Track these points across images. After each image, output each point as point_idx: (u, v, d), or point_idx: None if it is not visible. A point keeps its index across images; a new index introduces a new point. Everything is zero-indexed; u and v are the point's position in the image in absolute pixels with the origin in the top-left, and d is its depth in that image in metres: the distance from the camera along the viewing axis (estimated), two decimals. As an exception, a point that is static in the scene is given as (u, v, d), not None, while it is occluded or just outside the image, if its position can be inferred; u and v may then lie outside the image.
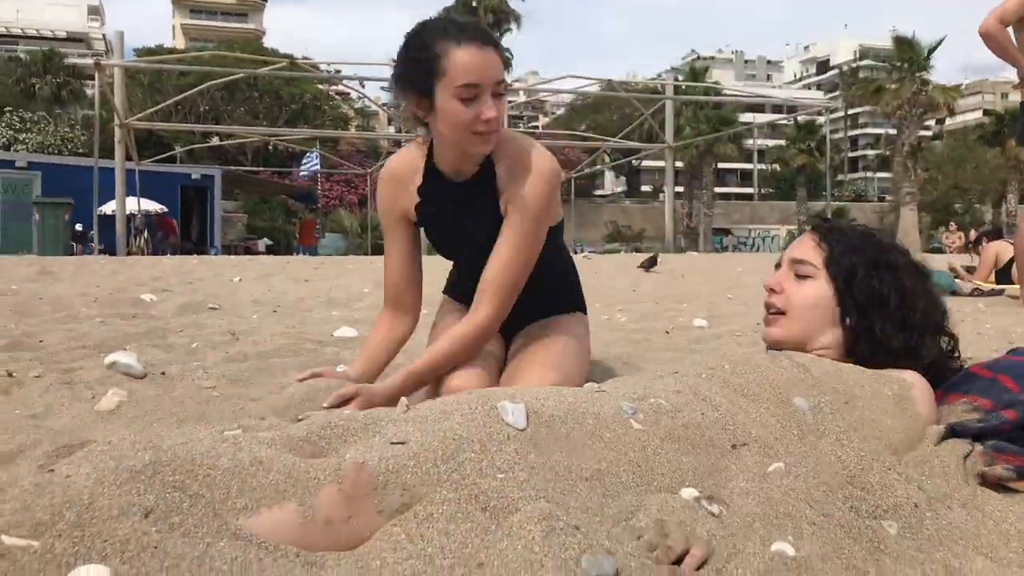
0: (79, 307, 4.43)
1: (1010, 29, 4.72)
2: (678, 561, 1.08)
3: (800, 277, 1.82)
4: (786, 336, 1.81)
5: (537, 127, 54.58)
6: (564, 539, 1.04)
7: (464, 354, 2.03)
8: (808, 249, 1.83)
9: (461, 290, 2.32)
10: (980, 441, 1.51)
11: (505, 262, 2.03)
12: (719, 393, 1.48)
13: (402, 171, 2.15)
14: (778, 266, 1.90)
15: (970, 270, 7.50)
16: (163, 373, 2.43)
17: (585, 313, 2.38)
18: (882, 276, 1.76)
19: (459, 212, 2.11)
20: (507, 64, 2.18)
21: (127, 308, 4.47)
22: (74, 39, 57.11)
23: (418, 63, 1.88)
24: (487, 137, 1.92)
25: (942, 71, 47.90)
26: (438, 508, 1.10)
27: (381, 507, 1.11)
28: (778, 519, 1.16)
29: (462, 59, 1.83)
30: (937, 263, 9.15)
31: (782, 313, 1.82)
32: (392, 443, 1.22)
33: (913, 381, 1.60)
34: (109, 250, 17.48)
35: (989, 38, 4.70)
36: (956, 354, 1.79)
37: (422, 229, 2.24)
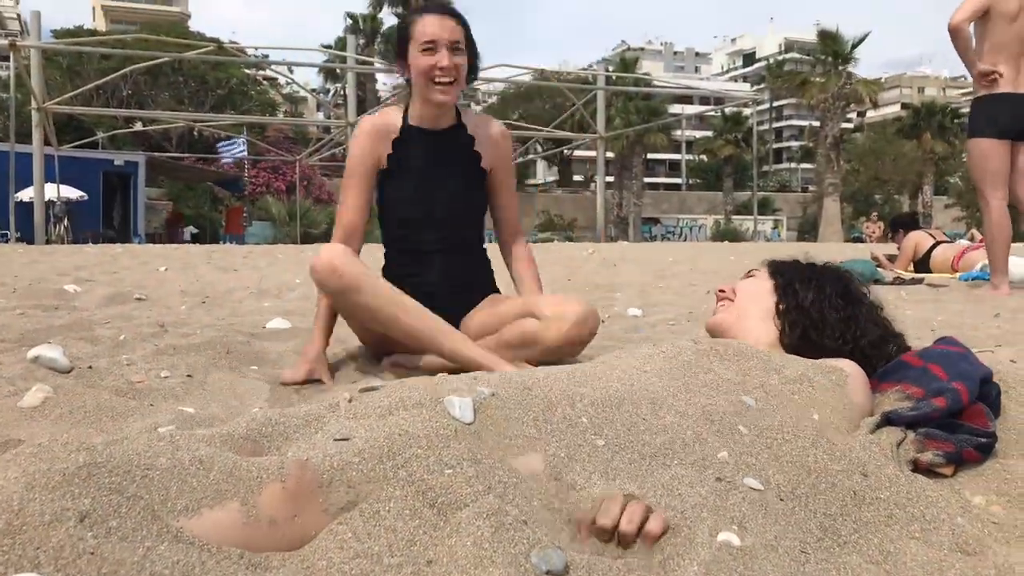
0: (-3, 298, 4.26)
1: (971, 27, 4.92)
2: (631, 541, 1.09)
3: (748, 277, 2.03)
4: (724, 316, 1.97)
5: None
6: (513, 534, 1.03)
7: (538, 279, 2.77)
8: (755, 269, 2.05)
9: (402, 262, 2.65)
10: (913, 428, 1.56)
11: (514, 205, 2.79)
12: (660, 384, 1.49)
13: (382, 124, 2.58)
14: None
15: (891, 259, 7.73)
16: (90, 367, 2.35)
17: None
18: (821, 279, 1.90)
19: (434, 159, 2.58)
20: (468, 33, 2.59)
21: (49, 299, 4.31)
22: (-13, 18, 54.86)
23: (399, 35, 2.51)
24: (446, 88, 2.44)
25: (861, 66, 49.20)
26: (384, 505, 1.08)
27: (326, 505, 1.09)
28: (725, 509, 1.17)
29: (426, 22, 2.42)
30: (860, 252, 9.41)
31: (728, 300, 2.00)
32: (336, 440, 1.20)
33: (849, 371, 1.64)
34: (26, 239, 16.88)
35: (957, 34, 4.89)
36: (897, 349, 1.84)
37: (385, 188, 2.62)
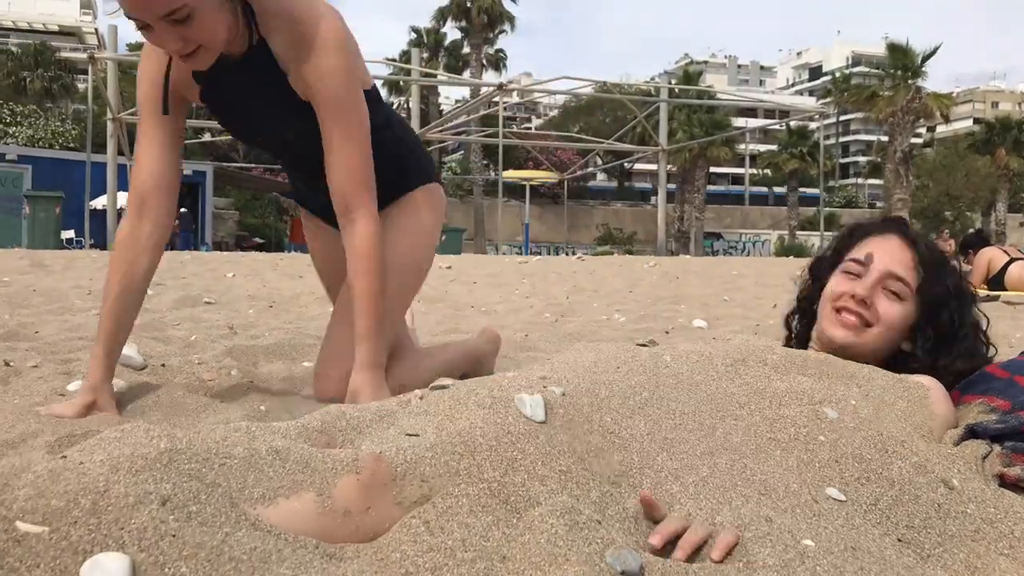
0: (73, 299, 4.39)
1: None
2: (697, 550, 1.06)
3: (892, 294, 1.73)
4: (861, 344, 1.72)
5: (530, 128, 54.62)
6: (587, 533, 1.02)
7: (380, 270, 1.88)
8: (907, 269, 1.74)
9: (304, 198, 2.25)
10: (999, 442, 1.50)
11: (348, 162, 1.88)
12: (737, 389, 1.47)
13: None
14: (842, 260, 1.81)
15: (964, 276, 7.53)
16: (163, 365, 2.40)
17: (432, 181, 2.20)
18: (962, 311, 1.77)
19: (241, 97, 1.92)
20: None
21: (122, 301, 4.44)
22: (66, 33, 56.81)
23: None
24: (190, 59, 1.73)
25: (932, 80, 48.28)
26: (458, 501, 1.08)
27: (400, 499, 1.09)
28: (804, 519, 1.15)
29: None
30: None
31: (868, 325, 1.72)
32: (407, 435, 1.20)
33: (929, 385, 1.59)
34: (99, 245, 17.38)
35: None
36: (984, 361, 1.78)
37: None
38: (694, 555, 1.07)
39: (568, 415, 1.28)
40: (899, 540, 1.20)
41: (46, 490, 0.92)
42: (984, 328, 1.83)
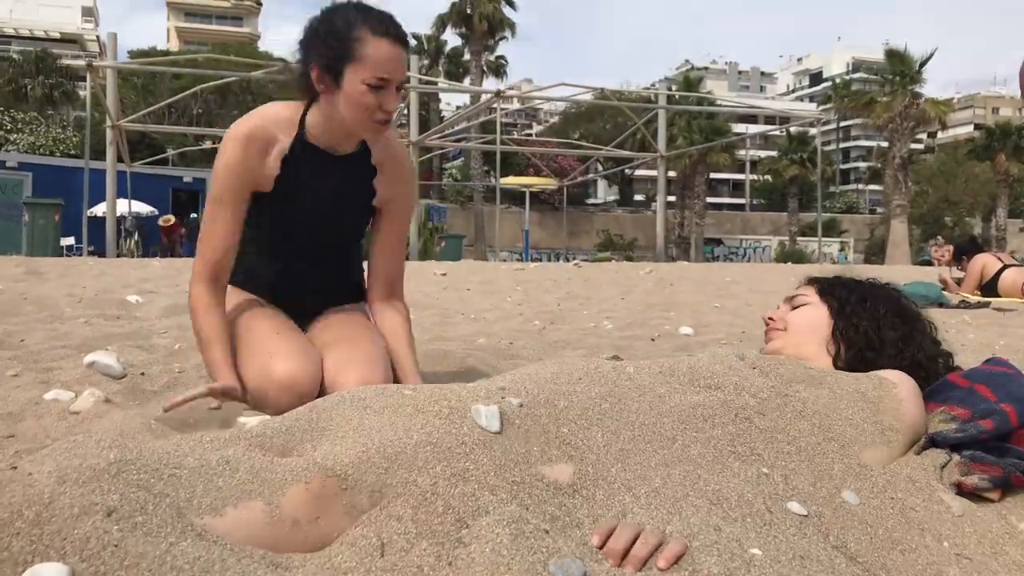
0: (64, 307, 4.40)
1: None
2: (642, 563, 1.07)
3: (798, 305, 1.94)
4: (783, 345, 1.89)
5: (531, 134, 54.66)
6: (533, 543, 1.03)
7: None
8: (801, 288, 1.98)
9: (269, 279, 2.25)
10: (958, 451, 1.52)
11: (399, 255, 2.32)
12: (699, 398, 1.48)
13: (267, 134, 2.05)
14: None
15: (959, 282, 7.54)
16: (143, 374, 2.41)
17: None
18: (874, 299, 1.86)
19: (329, 185, 2.14)
20: (408, 65, 2.18)
21: (112, 309, 4.44)
22: (67, 40, 56.93)
23: (335, 40, 1.92)
24: (382, 128, 2.02)
25: (933, 85, 48.17)
26: (406, 510, 1.10)
27: (348, 508, 1.10)
28: (755, 524, 1.16)
29: (380, 52, 1.90)
30: (927, 275, 9.18)
31: (781, 330, 1.92)
32: (360, 439, 1.21)
33: (897, 380, 1.60)
34: (98, 252, 17.40)
35: None
36: (945, 367, 1.80)
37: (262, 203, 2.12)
38: (642, 566, 1.08)
39: (524, 426, 1.29)
40: (850, 559, 1.20)
41: (-9, 501, 0.93)
42: (930, 326, 1.87)
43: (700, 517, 1.17)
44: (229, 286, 2.19)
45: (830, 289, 1.91)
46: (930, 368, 1.78)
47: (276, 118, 2.07)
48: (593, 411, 1.39)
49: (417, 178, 2.27)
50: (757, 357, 1.72)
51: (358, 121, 1.98)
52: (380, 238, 2.27)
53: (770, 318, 1.95)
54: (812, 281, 1.97)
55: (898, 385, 1.59)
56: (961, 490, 1.46)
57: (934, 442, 1.53)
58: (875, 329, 1.79)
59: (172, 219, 22.71)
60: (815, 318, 1.87)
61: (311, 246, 2.26)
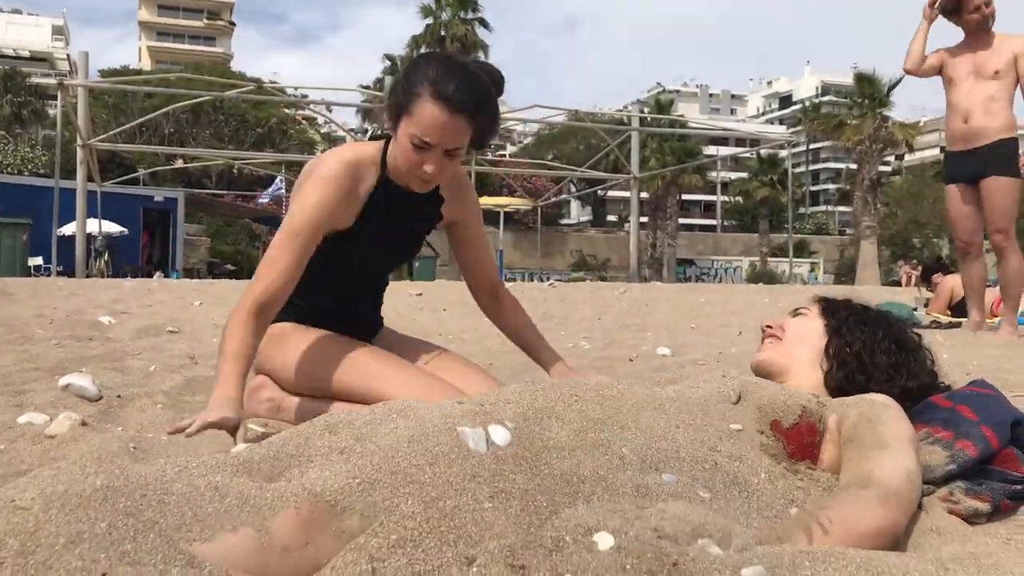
0: (34, 328, 4.33)
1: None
2: None
3: (797, 315, 1.95)
4: (771, 356, 1.88)
5: (504, 155, 54.80)
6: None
7: None
8: (806, 304, 1.97)
9: (316, 318, 2.21)
10: (946, 483, 1.53)
11: (492, 258, 2.47)
12: (687, 437, 1.48)
13: (358, 172, 2.06)
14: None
15: (926, 303, 7.64)
16: (119, 396, 2.38)
17: None
18: (874, 323, 1.85)
19: (401, 221, 2.20)
20: (487, 129, 2.00)
21: (84, 330, 4.38)
22: (37, 59, 56.44)
23: (403, 88, 1.94)
24: (427, 184, 2.04)
25: (900, 109, 49.01)
26: (399, 534, 1.08)
27: (338, 532, 1.09)
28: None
29: (428, 115, 1.88)
30: (900, 296, 9.29)
31: (775, 338, 1.92)
32: (348, 464, 1.20)
33: (887, 403, 1.59)
34: (68, 272, 17.20)
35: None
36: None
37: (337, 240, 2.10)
38: None
39: (516, 451, 1.28)
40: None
41: (-26, 530, 0.91)
42: (928, 353, 1.86)
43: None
44: (287, 323, 2.18)
45: (832, 308, 1.91)
46: (921, 397, 1.77)
47: (364, 155, 2.09)
48: (587, 427, 1.38)
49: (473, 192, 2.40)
50: (743, 383, 1.72)
51: (402, 170, 2.02)
52: (466, 245, 2.37)
53: (768, 325, 1.95)
54: (819, 299, 1.96)
55: (889, 406, 1.59)
56: (951, 512, 1.47)
57: (926, 480, 1.53)
58: (868, 353, 1.77)
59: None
60: (809, 331, 1.87)
61: (367, 281, 2.36)
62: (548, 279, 20.32)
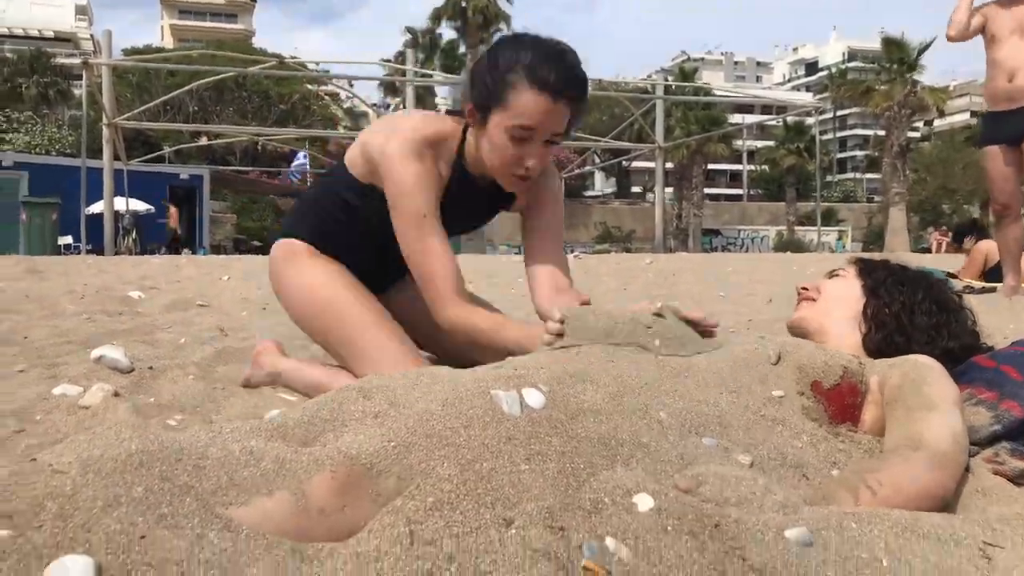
0: (65, 304, 4.37)
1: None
2: None
3: (834, 276, 1.91)
4: (809, 315, 1.85)
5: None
6: (563, 534, 1.01)
7: None
8: (848, 263, 1.93)
9: (357, 265, 2.15)
10: (991, 444, 1.50)
11: (566, 262, 2.16)
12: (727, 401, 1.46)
13: (438, 148, 1.94)
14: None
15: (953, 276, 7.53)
16: (150, 368, 2.39)
17: None
18: (913, 284, 1.80)
19: (474, 210, 2.13)
20: (582, 112, 1.84)
21: (114, 305, 4.42)
22: (61, 39, 56.72)
23: (491, 77, 1.80)
24: (523, 182, 1.90)
25: (928, 73, 48.07)
26: (436, 497, 1.07)
27: (375, 495, 1.08)
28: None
29: (530, 101, 1.75)
30: (927, 262, 9.17)
31: (811, 300, 1.89)
32: (383, 428, 1.18)
33: (930, 363, 1.55)
34: (97, 250, 17.37)
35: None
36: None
37: None
38: None
39: (546, 410, 1.27)
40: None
41: (11, 494, 0.90)
42: (970, 314, 1.81)
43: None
44: (317, 252, 2.12)
45: (869, 269, 1.87)
46: (963, 359, 1.73)
47: (441, 134, 1.95)
48: (625, 390, 1.36)
49: (559, 179, 2.26)
50: (782, 343, 1.69)
51: (495, 170, 1.88)
52: (537, 234, 2.12)
53: (804, 287, 1.91)
54: (856, 260, 1.92)
55: (932, 367, 1.55)
56: (997, 473, 1.44)
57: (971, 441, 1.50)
58: (908, 313, 1.73)
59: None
60: (846, 291, 1.83)
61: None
62: (572, 251, 20.26)
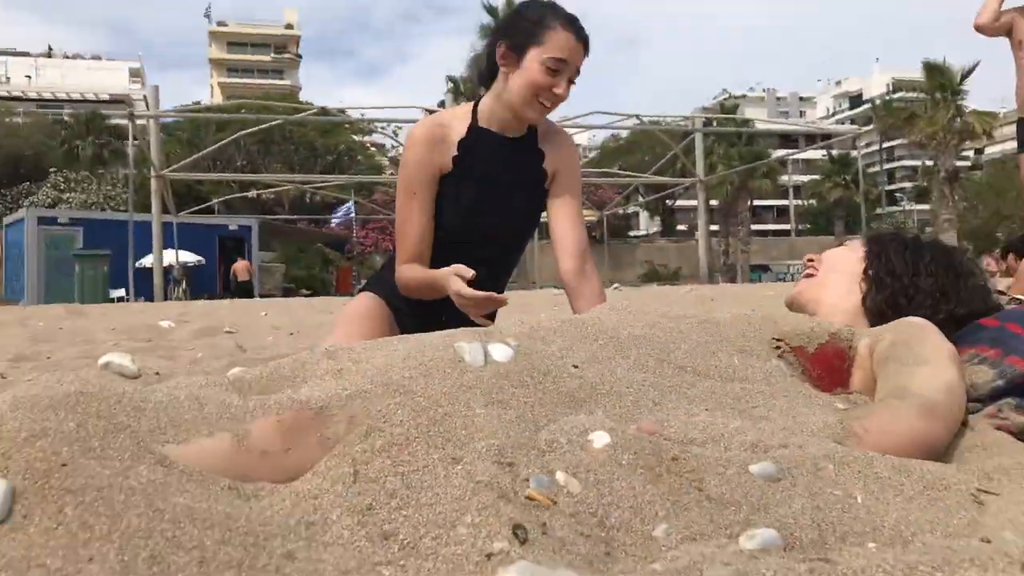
0: (98, 334, 4.44)
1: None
2: None
3: (837, 244, 1.89)
4: (804, 287, 1.82)
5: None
6: (510, 470, 0.96)
7: None
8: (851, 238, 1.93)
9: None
10: (994, 400, 1.42)
11: (582, 224, 2.36)
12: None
13: (443, 125, 2.26)
14: None
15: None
16: (157, 373, 2.39)
17: None
18: (919, 247, 1.74)
19: (502, 167, 2.27)
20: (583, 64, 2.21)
21: (144, 333, 4.48)
22: (116, 101, 58.62)
23: (526, 22, 2.14)
24: (546, 110, 2.19)
25: (976, 99, 47.28)
26: (385, 440, 1.03)
27: (323, 440, 1.05)
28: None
29: (563, 38, 2.11)
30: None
31: (810, 275, 1.85)
32: (340, 381, 1.16)
33: (923, 323, 1.48)
34: (147, 301, 17.70)
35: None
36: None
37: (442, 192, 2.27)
38: None
39: (520, 365, 1.23)
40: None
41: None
42: (982, 278, 1.73)
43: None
44: (366, 302, 2.36)
45: (876, 237, 1.82)
46: (968, 323, 1.65)
47: (452, 113, 2.33)
48: (593, 350, 1.32)
49: (578, 155, 2.56)
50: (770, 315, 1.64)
51: (524, 99, 2.15)
52: (558, 211, 2.35)
53: (810, 258, 1.89)
54: (865, 233, 1.90)
55: (925, 326, 1.47)
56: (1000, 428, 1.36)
57: (972, 398, 1.43)
58: (910, 275, 1.66)
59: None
60: (846, 257, 1.79)
61: (480, 242, 2.30)
62: (614, 285, 20.17)
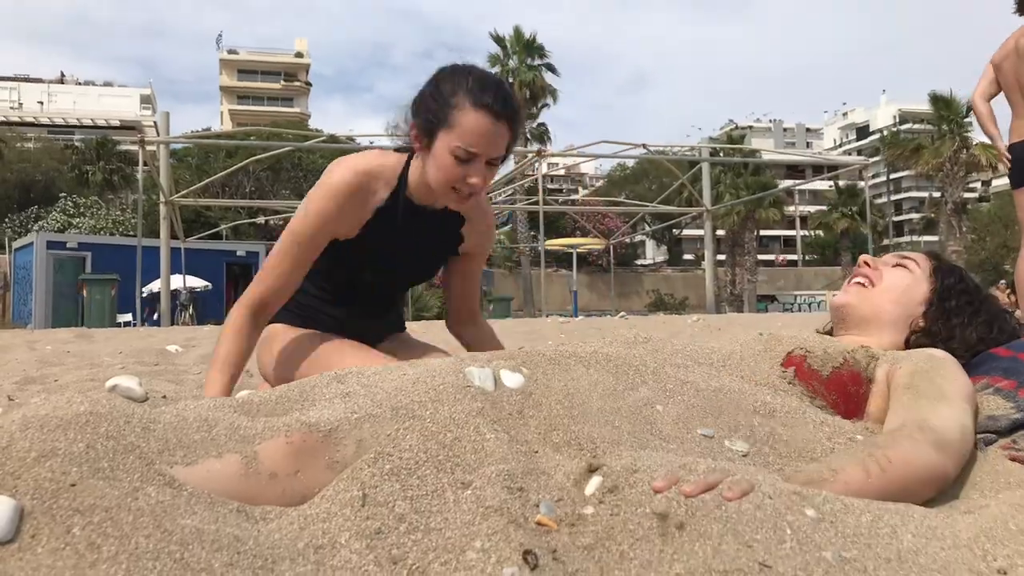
0: (104, 358, 4.44)
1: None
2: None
3: (900, 265, 1.75)
4: (856, 303, 1.72)
5: (576, 200, 54.97)
6: (520, 495, 0.96)
7: None
8: (917, 254, 1.79)
9: (328, 324, 2.18)
10: (1012, 433, 1.41)
11: (478, 285, 2.37)
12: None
13: (368, 187, 1.99)
14: None
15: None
16: (164, 396, 2.39)
17: None
18: (978, 304, 1.71)
19: (420, 237, 2.10)
20: (516, 138, 1.96)
21: (151, 357, 4.47)
22: (127, 127, 59.10)
23: (434, 102, 1.86)
24: (465, 200, 1.95)
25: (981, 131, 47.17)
26: (394, 464, 1.03)
27: (331, 463, 1.04)
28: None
29: (472, 121, 1.82)
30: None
31: (864, 286, 1.74)
32: (348, 403, 1.15)
33: (944, 356, 1.48)
34: (153, 326, 17.73)
35: (975, 111, 5.13)
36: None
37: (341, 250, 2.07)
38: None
39: (532, 391, 1.23)
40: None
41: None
42: (1012, 321, 1.73)
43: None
44: (288, 327, 2.17)
45: (943, 272, 1.73)
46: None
47: (381, 168, 2.02)
48: (596, 383, 1.32)
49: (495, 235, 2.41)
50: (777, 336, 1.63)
51: (440, 188, 1.92)
52: (462, 276, 2.30)
53: (865, 262, 1.76)
54: (932, 256, 1.78)
55: (946, 361, 1.48)
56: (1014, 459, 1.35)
57: (987, 429, 1.42)
58: (962, 327, 1.65)
59: None
60: (912, 289, 1.70)
61: (382, 294, 2.29)
62: (620, 314, 20.13)
